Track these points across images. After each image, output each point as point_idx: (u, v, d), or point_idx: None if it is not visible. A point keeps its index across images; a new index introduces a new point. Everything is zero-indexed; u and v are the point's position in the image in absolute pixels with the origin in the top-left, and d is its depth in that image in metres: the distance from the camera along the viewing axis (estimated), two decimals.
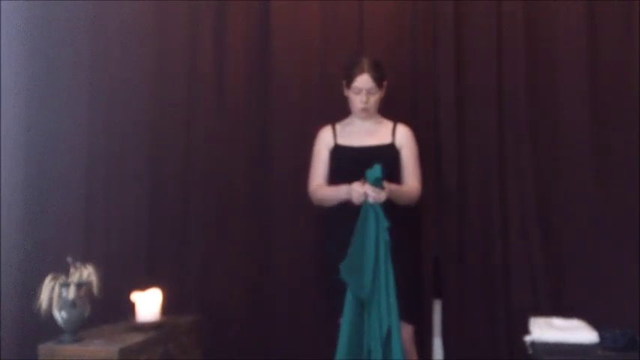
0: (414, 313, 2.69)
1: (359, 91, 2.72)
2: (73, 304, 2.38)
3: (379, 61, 2.76)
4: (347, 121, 2.84)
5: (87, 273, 2.44)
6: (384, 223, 2.47)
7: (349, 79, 2.73)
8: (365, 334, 2.46)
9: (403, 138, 2.78)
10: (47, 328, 2.41)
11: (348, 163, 2.73)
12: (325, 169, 2.78)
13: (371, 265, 2.46)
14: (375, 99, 2.74)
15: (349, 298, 2.48)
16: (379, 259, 2.47)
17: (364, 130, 2.79)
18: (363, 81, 2.71)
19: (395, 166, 2.73)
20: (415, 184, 2.75)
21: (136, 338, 2.43)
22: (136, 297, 2.61)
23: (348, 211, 2.58)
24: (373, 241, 2.46)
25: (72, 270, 2.44)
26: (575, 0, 2.97)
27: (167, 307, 2.68)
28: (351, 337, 2.46)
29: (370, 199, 2.48)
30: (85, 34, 3.08)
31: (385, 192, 2.49)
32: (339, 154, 2.77)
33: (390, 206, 2.52)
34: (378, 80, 2.72)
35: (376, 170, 2.47)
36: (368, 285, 2.45)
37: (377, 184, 2.47)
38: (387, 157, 2.73)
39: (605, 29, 2.96)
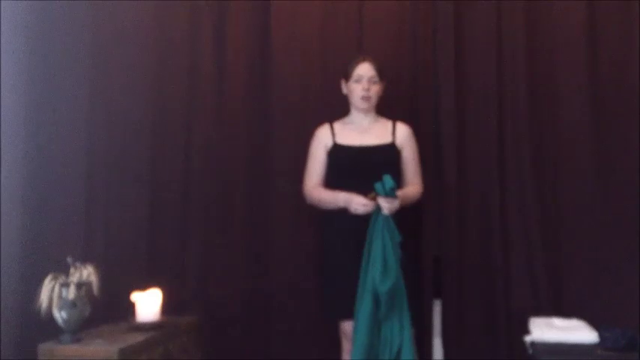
0: (415, 314, 2.69)
1: (360, 79, 2.72)
2: (73, 304, 2.38)
3: (380, 61, 2.78)
4: (345, 119, 2.84)
5: (87, 273, 2.44)
6: (397, 238, 2.49)
7: (350, 69, 2.74)
8: (375, 347, 2.48)
9: (404, 137, 2.78)
10: (47, 328, 2.41)
11: (348, 163, 2.73)
12: (322, 169, 2.78)
13: (394, 273, 2.47)
14: (375, 90, 2.74)
15: (366, 307, 2.48)
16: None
17: (363, 129, 2.79)
18: (365, 69, 2.72)
19: (396, 166, 2.73)
20: (418, 182, 2.76)
21: (136, 338, 2.43)
22: (136, 297, 2.61)
23: (347, 213, 2.58)
24: (392, 254, 2.48)
25: (72, 270, 2.44)
26: (575, 0, 2.98)
27: (167, 307, 2.68)
28: (365, 349, 2.47)
29: (385, 211, 2.49)
30: (85, 34, 3.08)
31: (398, 200, 2.49)
32: (339, 153, 2.76)
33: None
34: (379, 70, 2.73)
35: (388, 182, 2.48)
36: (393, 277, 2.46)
37: (391, 194, 2.48)
38: (387, 156, 2.73)
39: (605, 29, 2.96)
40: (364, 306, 2.47)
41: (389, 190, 2.48)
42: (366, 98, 2.73)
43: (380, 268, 2.46)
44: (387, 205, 2.50)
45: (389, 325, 2.48)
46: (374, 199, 2.52)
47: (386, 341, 2.47)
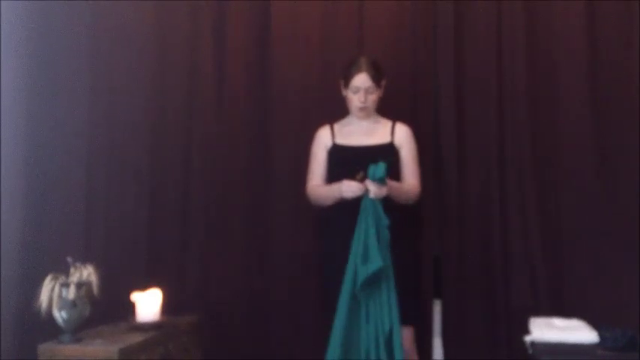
0: (415, 314, 2.69)
1: (357, 90, 2.72)
2: (73, 304, 2.38)
3: (377, 60, 2.77)
4: (345, 120, 2.84)
5: (87, 273, 2.44)
6: (385, 221, 2.47)
7: (347, 79, 2.73)
8: (362, 334, 2.45)
9: (402, 137, 2.78)
10: (47, 328, 2.41)
11: (347, 163, 2.72)
12: (322, 170, 2.78)
13: (377, 253, 2.43)
14: (373, 98, 2.74)
15: (344, 298, 2.46)
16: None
17: (363, 130, 2.79)
18: (362, 80, 2.70)
19: (394, 166, 2.73)
20: (415, 182, 2.75)
21: (136, 338, 2.43)
22: (136, 297, 2.61)
23: (346, 211, 2.58)
24: (374, 236, 2.46)
25: (72, 270, 2.44)
26: (575, 0, 2.97)
27: (167, 307, 2.68)
28: (345, 337, 2.44)
29: (371, 194, 2.49)
30: (85, 34, 3.08)
31: (386, 188, 2.49)
32: (338, 153, 2.77)
33: (390, 206, 2.53)
34: (377, 79, 2.72)
35: (380, 168, 2.47)
36: (378, 260, 2.41)
37: (380, 182, 2.48)
38: (386, 156, 2.72)
39: (605, 29, 2.96)
40: (341, 301, 2.45)
41: (378, 179, 2.48)
42: (362, 109, 2.73)
43: (361, 252, 2.44)
44: (373, 189, 2.49)
45: (378, 306, 2.44)
46: (361, 180, 2.51)
47: (377, 322, 2.43)
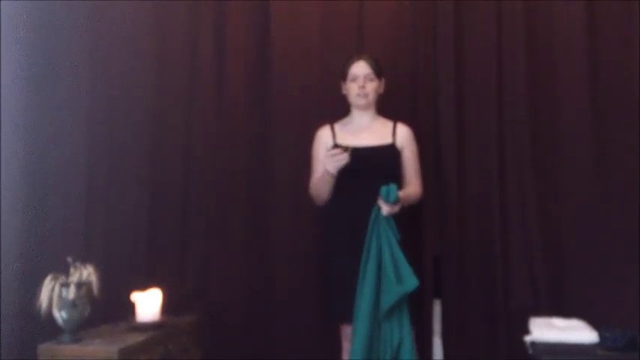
0: (415, 314, 2.69)
1: (355, 78, 2.72)
2: (73, 304, 2.38)
3: (377, 58, 2.78)
4: (346, 120, 2.84)
5: (87, 273, 2.44)
6: (397, 237, 2.50)
7: (346, 69, 2.74)
8: (375, 345, 2.48)
9: (404, 138, 2.78)
10: (47, 328, 2.41)
11: (349, 163, 2.72)
12: None
13: (409, 271, 2.47)
14: (372, 87, 2.73)
15: (364, 307, 2.47)
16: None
17: (364, 129, 2.78)
18: (360, 67, 2.71)
19: (396, 167, 2.73)
20: (418, 184, 2.76)
21: (136, 338, 2.44)
22: (136, 297, 2.61)
23: (347, 212, 2.59)
24: (388, 253, 2.48)
25: (72, 270, 2.44)
26: (575, 0, 2.98)
27: (167, 307, 2.68)
28: (365, 346, 2.46)
29: (384, 213, 2.49)
30: (85, 33, 3.08)
31: (399, 205, 2.50)
32: None
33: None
34: (375, 68, 2.72)
35: (393, 191, 2.49)
36: (413, 279, 2.46)
37: (393, 203, 2.49)
38: (388, 157, 2.73)
39: (605, 29, 2.96)
40: (363, 306, 2.47)
41: (391, 201, 2.49)
42: (362, 95, 2.72)
43: (393, 270, 2.46)
44: (387, 209, 2.50)
45: (388, 322, 2.48)
46: (346, 150, 2.53)
47: (386, 338, 2.47)
